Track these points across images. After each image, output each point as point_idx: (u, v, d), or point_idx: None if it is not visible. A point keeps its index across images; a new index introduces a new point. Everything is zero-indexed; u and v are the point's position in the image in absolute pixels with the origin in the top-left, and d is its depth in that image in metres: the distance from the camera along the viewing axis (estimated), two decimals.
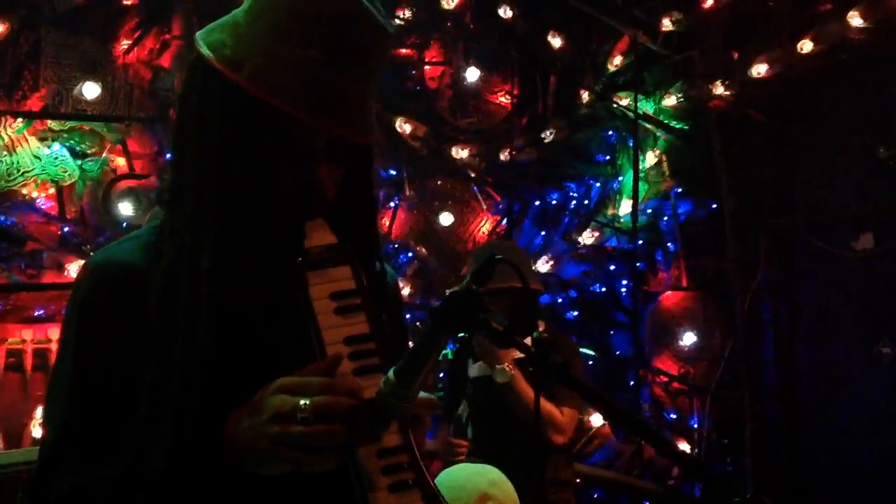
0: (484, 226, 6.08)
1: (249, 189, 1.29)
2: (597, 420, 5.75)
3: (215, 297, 1.26)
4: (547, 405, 3.38)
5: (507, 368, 3.36)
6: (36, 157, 4.79)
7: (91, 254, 4.72)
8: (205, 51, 1.30)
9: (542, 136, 6.11)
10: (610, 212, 6.34)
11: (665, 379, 6.04)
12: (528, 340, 1.25)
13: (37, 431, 4.52)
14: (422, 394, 1.29)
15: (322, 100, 1.27)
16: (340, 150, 1.33)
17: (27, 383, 4.61)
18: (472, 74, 5.97)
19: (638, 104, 6.04)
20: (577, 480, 5.17)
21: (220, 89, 1.28)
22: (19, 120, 4.77)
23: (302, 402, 1.13)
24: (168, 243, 1.32)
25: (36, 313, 4.67)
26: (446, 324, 1.23)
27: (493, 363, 3.44)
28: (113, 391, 1.27)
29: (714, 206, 6.07)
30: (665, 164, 6.29)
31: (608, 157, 6.43)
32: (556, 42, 6.12)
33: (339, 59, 1.28)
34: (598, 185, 6.41)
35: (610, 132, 6.41)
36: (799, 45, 5.60)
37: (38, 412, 4.54)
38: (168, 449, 1.21)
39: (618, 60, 6.25)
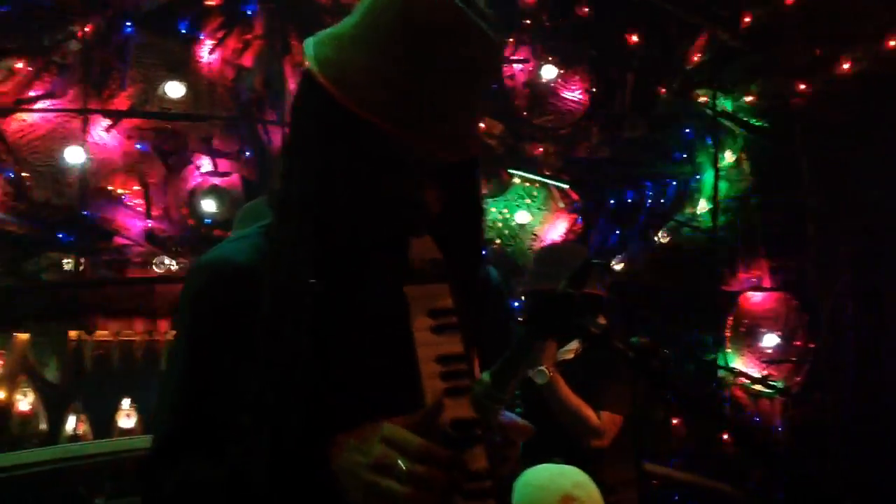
0: (561, 224, 6.06)
1: (354, 205, 1.29)
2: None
3: (318, 309, 1.27)
4: (583, 408, 3.31)
5: (545, 370, 3.30)
6: (124, 155, 4.92)
7: (171, 251, 4.85)
8: (312, 64, 1.29)
9: (619, 133, 6.06)
10: (688, 210, 6.26)
11: (746, 381, 5.94)
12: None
13: (123, 422, 4.63)
14: (517, 418, 1.29)
15: (428, 120, 1.24)
16: (447, 166, 1.31)
17: (114, 375, 4.73)
18: (549, 72, 5.95)
19: (717, 101, 5.95)
20: (654, 482, 5.12)
21: (325, 104, 1.26)
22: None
23: (401, 463, 1.14)
24: (276, 251, 1.33)
25: (122, 307, 4.78)
26: (542, 327, 1.22)
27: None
28: (223, 389, 1.29)
29: (796, 205, 5.95)
30: (745, 163, 6.20)
31: (686, 155, 6.35)
32: (633, 39, 6.08)
33: (446, 76, 1.24)
34: (675, 183, 6.34)
35: (688, 130, 6.33)
36: (885, 42, 5.48)
37: (125, 403, 4.66)
38: (268, 457, 1.23)
39: (696, 57, 6.17)
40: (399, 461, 1.14)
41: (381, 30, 1.25)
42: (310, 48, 1.31)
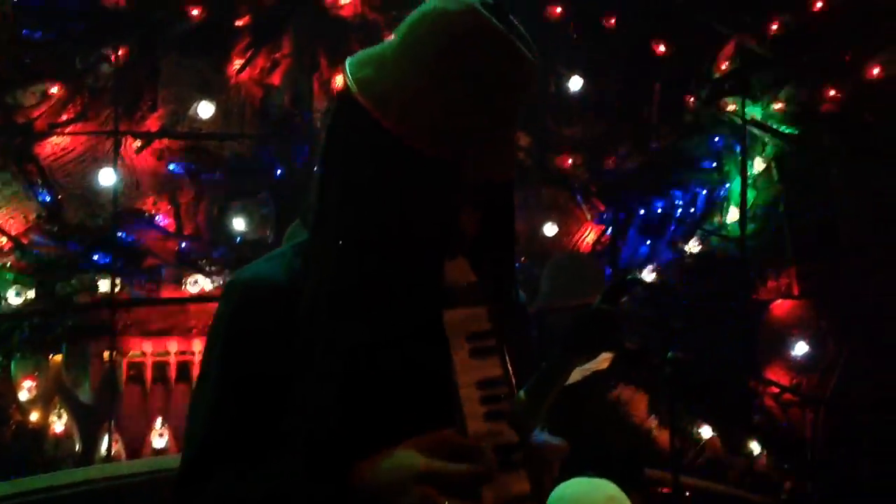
0: (588, 235, 6.05)
1: (391, 226, 1.30)
2: (706, 432, 5.67)
3: (354, 328, 1.29)
4: None
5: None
6: (155, 175, 4.97)
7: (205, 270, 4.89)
8: (352, 86, 1.30)
9: (647, 144, 6.04)
10: (717, 220, 6.24)
11: (776, 390, 5.92)
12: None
13: (156, 442, 4.68)
14: (552, 438, 1.30)
15: (469, 143, 1.27)
16: (484, 187, 1.32)
17: (147, 395, 4.78)
18: (576, 83, 5.94)
19: (745, 109, 5.93)
20: (687, 494, 5.11)
21: (367, 126, 1.28)
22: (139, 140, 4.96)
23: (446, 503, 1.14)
24: (313, 270, 1.34)
25: (155, 327, 4.83)
26: (579, 345, 1.22)
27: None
28: (255, 409, 1.30)
29: (826, 211, 5.92)
30: (773, 170, 6.17)
31: (715, 164, 6.32)
32: (660, 49, 6.05)
33: (488, 100, 1.27)
34: (704, 192, 6.32)
35: (716, 138, 6.31)
36: None
37: (158, 423, 4.71)
38: (297, 482, 1.24)
39: (724, 65, 6.14)
40: (445, 502, 1.14)
41: (424, 53, 1.27)
42: (349, 69, 1.33)
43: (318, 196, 1.37)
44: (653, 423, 3.95)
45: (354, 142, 1.31)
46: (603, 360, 3.41)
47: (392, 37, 1.35)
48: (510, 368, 1.30)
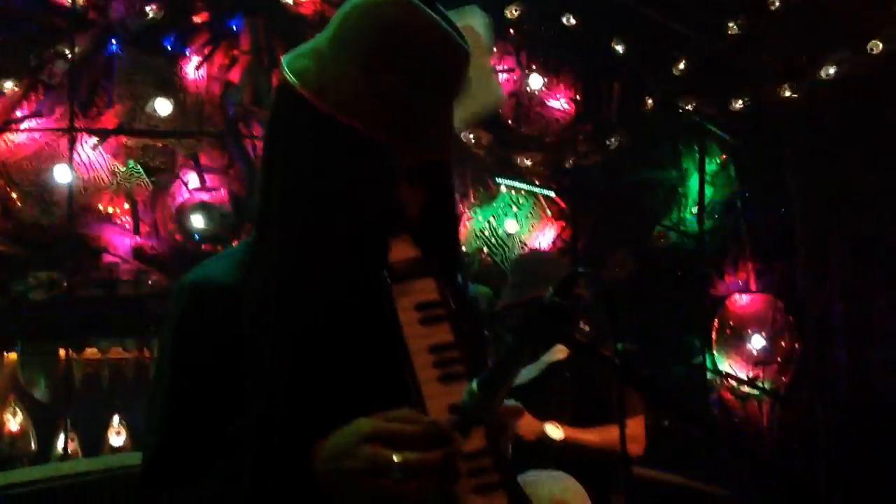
0: (549, 232, 6.09)
1: (335, 211, 1.32)
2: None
3: (302, 316, 1.30)
4: (604, 438, 3.30)
5: (557, 426, 3.27)
6: (112, 172, 4.93)
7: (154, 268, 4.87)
8: (290, 78, 1.34)
9: (607, 142, 6.09)
10: (675, 215, 6.30)
11: (734, 383, 5.99)
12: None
13: (113, 439, 4.66)
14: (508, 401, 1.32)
15: (406, 125, 1.31)
16: (422, 169, 1.36)
17: (104, 393, 4.75)
18: (536, 81, 5.98)
19: (703, 108, 5.98)
20: (645, 486, 5.16)
21: (306, 115, 1.32)
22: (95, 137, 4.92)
23: (395, 457, 1.16)
24: (259, 263, 1.36)
25: (112, 325, 4.80)
26: (531, 336, 1.24)
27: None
28: (210, 408, 1.32)
29: (783, 208, 6.00)
30: (731, 167, 6.24)
31: (673, 162, 6.39)
32: (619, 48, 6.10)
33: (423, 85, 1.32)
34: (663, 189, 6.38)
35: (674, 136, 6.37)
36: (869, 46, 5.52)
37: (115, 421, 4.68)
38: (253, 472, 1.26)
39: (682, 64, 6.19)
40: (393, 456, 1.16)
41: (358, 41, 1.32)
42: (286, 63, 1.36)
43: (262, 189, 1.39)
44: None
45: (297, 132, 1.34)
46: (558, 352, 3.44)
47: (324, 31, 1.39)
48: (462, 336, 1.32)
